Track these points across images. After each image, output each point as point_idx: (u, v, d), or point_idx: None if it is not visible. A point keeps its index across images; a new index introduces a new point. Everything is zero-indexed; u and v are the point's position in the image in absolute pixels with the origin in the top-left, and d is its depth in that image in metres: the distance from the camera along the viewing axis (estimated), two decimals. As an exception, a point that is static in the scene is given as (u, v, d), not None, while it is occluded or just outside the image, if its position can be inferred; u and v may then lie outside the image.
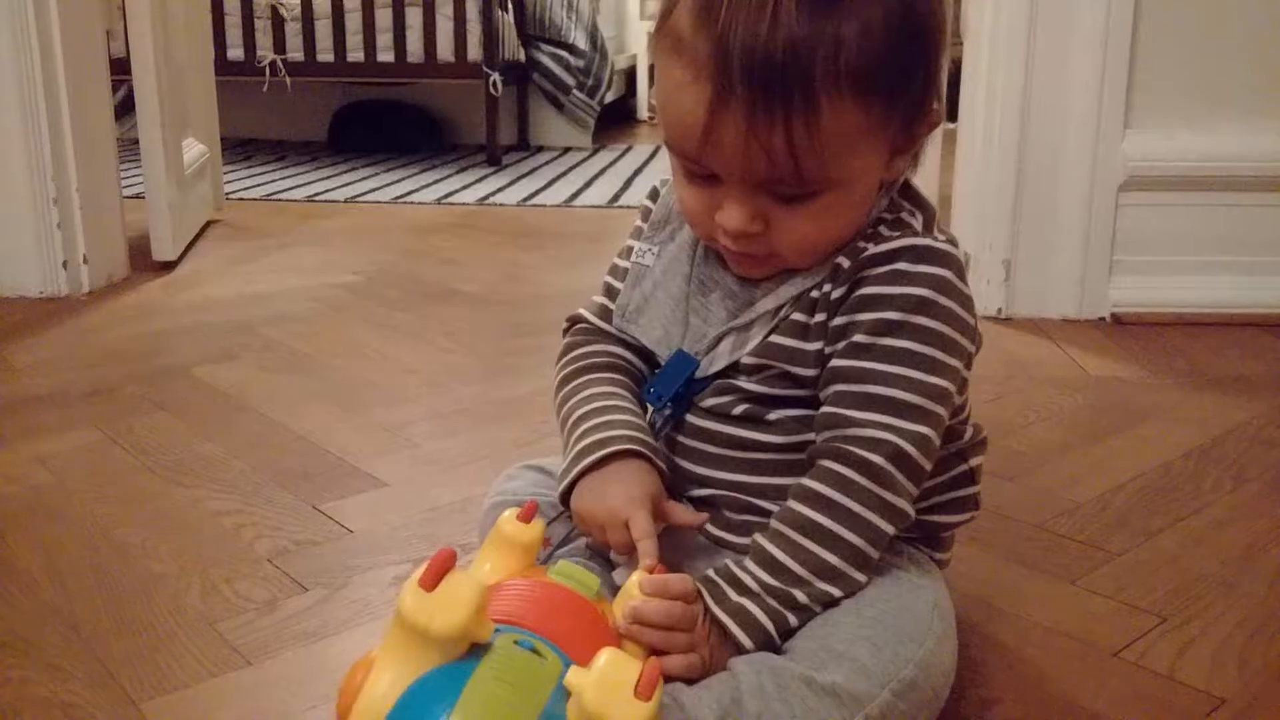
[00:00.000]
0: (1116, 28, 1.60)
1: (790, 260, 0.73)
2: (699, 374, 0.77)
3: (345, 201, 2.89)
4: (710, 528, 0.78)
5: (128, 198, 2.05)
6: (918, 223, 0.74)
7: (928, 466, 0.71)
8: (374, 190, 3.05)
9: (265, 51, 3.55)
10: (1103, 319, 1.71)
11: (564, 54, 4.03)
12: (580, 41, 4.05)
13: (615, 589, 0.69)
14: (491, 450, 1.22)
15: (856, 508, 0.69)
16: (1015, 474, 1.15)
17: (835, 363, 0.72)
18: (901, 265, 0.71)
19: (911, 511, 0.71)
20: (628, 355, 0.84)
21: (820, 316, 0.73)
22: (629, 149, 3.97)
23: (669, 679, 0.64)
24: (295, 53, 3.56)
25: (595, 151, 3.92)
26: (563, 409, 0.82)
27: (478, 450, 1.22)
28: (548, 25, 4.03)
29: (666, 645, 0.66)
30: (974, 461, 0.81)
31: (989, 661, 0.81)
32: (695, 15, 0.65)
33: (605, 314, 0.85)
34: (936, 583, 0.74)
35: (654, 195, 0.85)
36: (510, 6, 3.74)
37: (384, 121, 3.93)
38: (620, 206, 2.81)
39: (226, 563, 0.96)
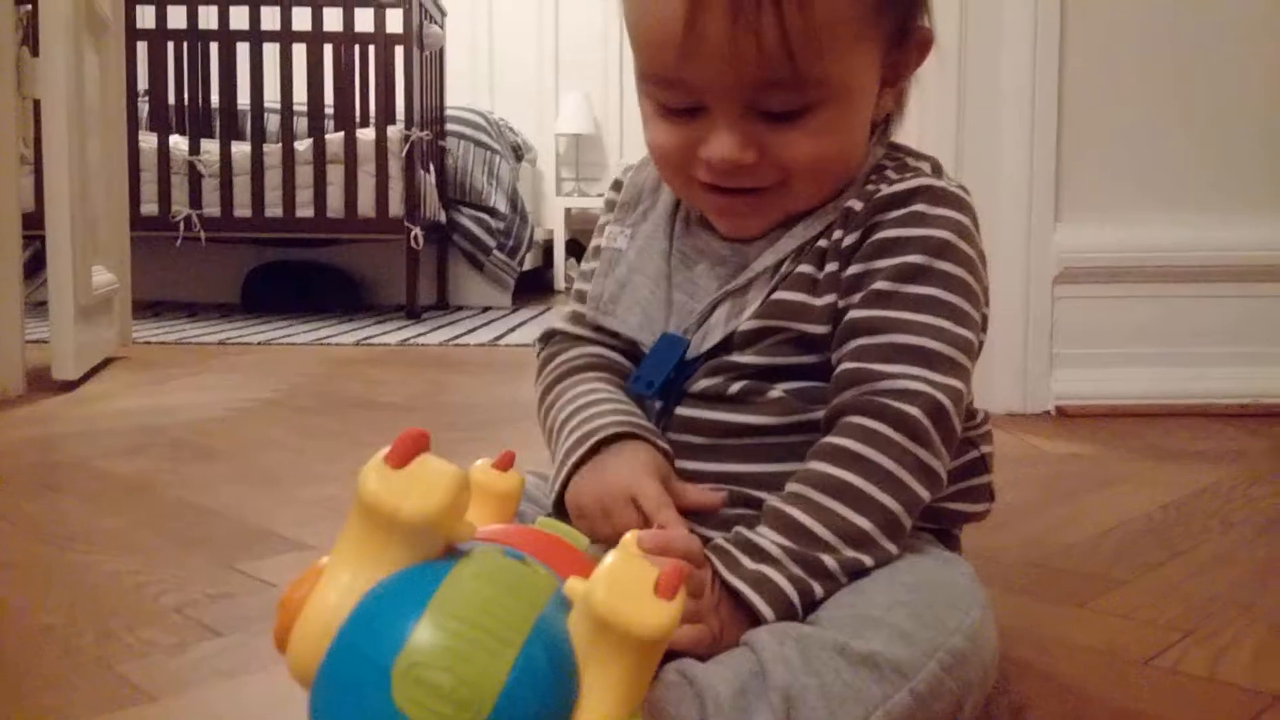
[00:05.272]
0: (1042, 124, 1.65)
1: (793, 190, 0.65)
2: (690, 354, 0.68)
3: (259, 344, 2.79)
4: (697, 527, 0.68)
5: (30, 341, 1.93)
6: (926, 167, 0.69)
7: (959, 429, 0.64)
8: (288, 335, 2.96)
9: (180, 206, 3.49)
10: (1047, 412, 1.69)
11: (484, 216, 4.06)
12: (501, 205, 4.09)
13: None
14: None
15: (891, 465, 0.60)
16: (995, 526, 1.08)
17: (854, 314, 0.64)
18: (920, 207, 0.65)
19: (945, 476, 0.63)
20: (611, 355, 0.75)
21: (831, 266, 0.66)
22: (548, 309, 3.96)
23: (675, 653, 0.54)
24: (212, 208, 3.51)
25: (515, 310, 3.90)
26: (547, 420, 0.73)
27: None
28: (468, 189, 4.08)
29: None
30: (985, 449, 0.74)
31: (1012, 674, 0.72)
32: None
33: (580, 321, 0.77)
34: (967, 564, 0.66)
35: (617, 186, 0.79)
36: (432, 169, 3.78)
37: (299, 281, 3.86)
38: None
39: (127, 613, 0.83)
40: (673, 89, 0.63)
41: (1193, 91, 1.69)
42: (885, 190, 0.66)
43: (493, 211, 4.07)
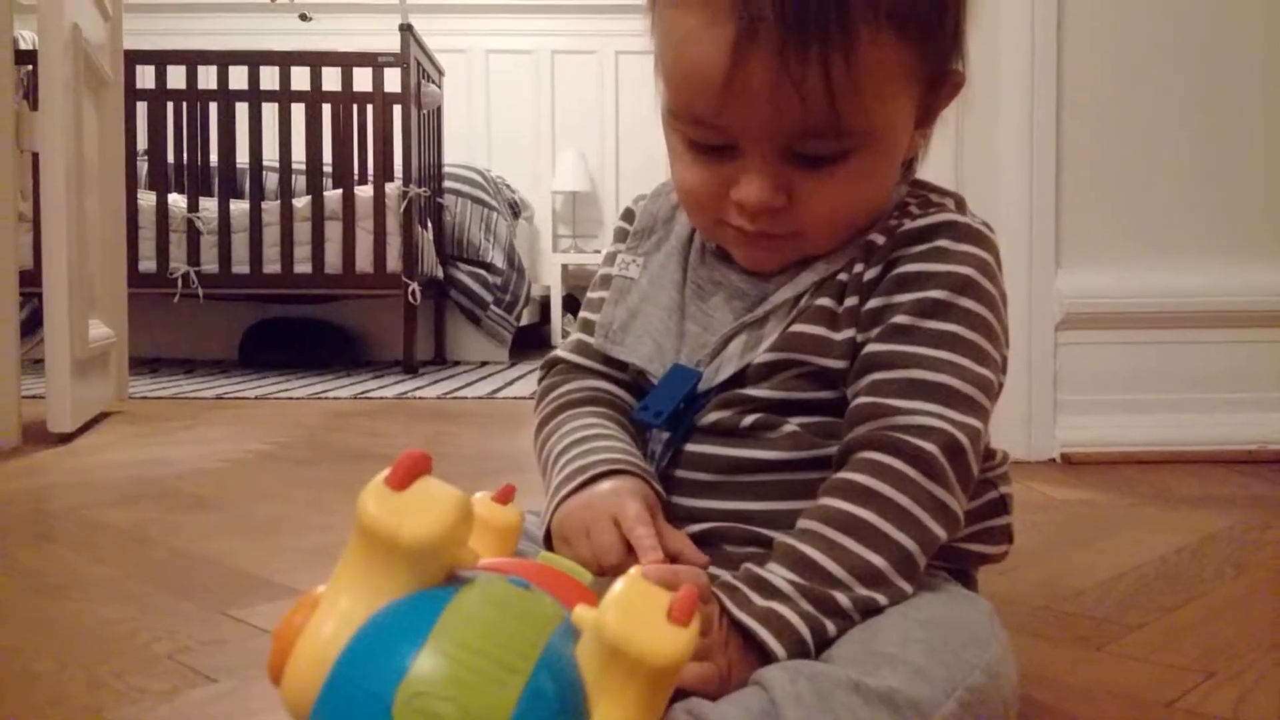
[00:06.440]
0: (1041, 169, 1.65)
1: (813, 239, 0.65)
2: (703, 386, 0.67)
3: (256, 398, 2.77)
4: (704, 563, 0.67)
5: (27, 397, 1.92)
6: (950, 203, 0.69)
7: (975, 469, 0.63)
8: (285, 390, 2.94)
9: (179, 263, 3.49)
10: (1053, 460, 1.67)
11: (482, 272, 4.06)
12: (498, 261, 4.10)
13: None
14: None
15: (907, 503, 0.59)
16: (1006, 570, 1.06)
17: (872, 348, 0.63)
18: (943, 242, 0.64)
19: (962, 516, 0.62)
20: (614, 389, 0.74)
21: (852, 300, 0.65)
22: (547, 364, 3.94)
23: (682, 693, 0.52)
24: (210, 265, 3.50)
25: (512, 365, 3.89)
26: (542, 452, 0.72)
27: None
28: (465, 245, 4.09)
29: None
30: (1004, 489, 0.73)
31: (1030, 716, 0.70)
32: None
33: (585, 350, 0.76)
34: (985, 601, 0.64)
35: (628, 215, 0.79)
36: (430, 225, 3.79)
37: (297, 337, 3.86)
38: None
39: (117, 660, 0.80)
40: (706, 128, 0.62)
41: (1193, 136, 1.69)
42: (908, 224, 0.65)
43: (490, 267, 4.08)
